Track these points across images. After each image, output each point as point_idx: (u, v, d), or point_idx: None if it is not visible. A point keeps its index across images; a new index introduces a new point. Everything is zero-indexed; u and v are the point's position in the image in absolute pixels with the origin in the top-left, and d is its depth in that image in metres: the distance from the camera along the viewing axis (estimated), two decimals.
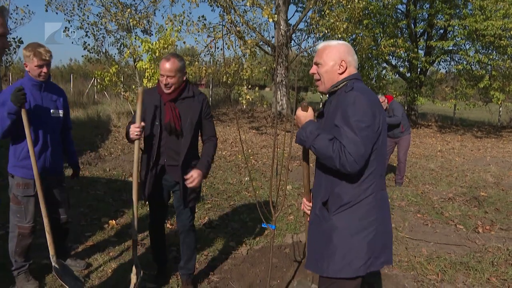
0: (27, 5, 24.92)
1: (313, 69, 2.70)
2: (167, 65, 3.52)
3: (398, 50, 18.07)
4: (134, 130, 3.45)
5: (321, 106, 2.77)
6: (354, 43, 17.74)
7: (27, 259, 3.90)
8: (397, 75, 21.48)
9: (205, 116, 3.76)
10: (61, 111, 3.96)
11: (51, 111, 3.86)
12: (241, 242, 5.12)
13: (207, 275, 4.27)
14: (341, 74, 2.59)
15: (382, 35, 18.97)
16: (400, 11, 20.61)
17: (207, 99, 3.82)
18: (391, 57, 20.61)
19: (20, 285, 3.85)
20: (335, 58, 2.59)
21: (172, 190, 3.85)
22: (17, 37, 15.98)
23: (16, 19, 16.46)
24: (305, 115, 2.61)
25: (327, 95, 2.72)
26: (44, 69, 3.73)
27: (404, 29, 20.64)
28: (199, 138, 3.84)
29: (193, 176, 3.56)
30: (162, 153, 3.67)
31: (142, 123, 3.48)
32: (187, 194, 3.72)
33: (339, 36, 14.63)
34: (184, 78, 3.69)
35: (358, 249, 2.47)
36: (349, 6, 14.20)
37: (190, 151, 3.67)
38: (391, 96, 8.42)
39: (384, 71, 20.70)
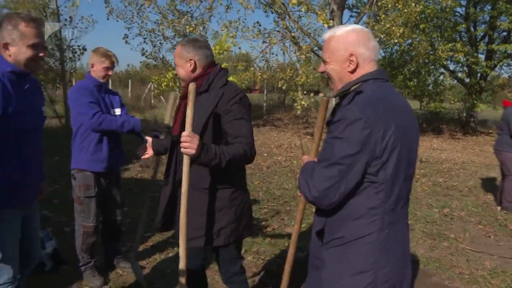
0: (91, 15, 25.77)
1: (321, 67, 2.15)
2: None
3: (457, 55, 17.55)
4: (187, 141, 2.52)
5: (331, 112, 2.17)
6: (410, 48, 17.39)
7: (92, 256, 4.09)
8: (455, 81, 20.86)
9: (225, 115, 2.75)
10: (117, 110, 4.10)
11: (111, 110, 4.02)
12: (298, 247, 5.11)
13: (264, 279, 4.30)
14: (352, 72, 2.02)
15: (439, 39, 18.49)
16: (459, 14, 20.01)
17: (233, 94, 2.80)
18: (449, 62, 20.01)
19: (87, 280, 4.04)
20: (341, 51, 2.01)
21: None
22: (81, 45, 16.61)
23: (81, 28, 17.12)
24: (306, 159, 2.24)
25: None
26: (110, 72, 3.95)
27: (463, 33, 20.00)
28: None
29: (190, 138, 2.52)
30: (178, 170, 2.91)
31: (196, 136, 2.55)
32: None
33: (395, 41, 14.39)
34: (191, 66, 2.85)
35: None
36: (405, 10, 13.94)
37: (199, 169, 2.74)
38: (509, 102, 7.22)
39: (441, 77, 20.17)
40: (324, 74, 2.15)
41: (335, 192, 1.87)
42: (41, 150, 2.86)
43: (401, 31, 13.97)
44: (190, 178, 2.62)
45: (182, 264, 2.69)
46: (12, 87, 2.53)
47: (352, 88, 1.99)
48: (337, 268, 2.00)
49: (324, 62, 2.11)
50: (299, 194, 2.31)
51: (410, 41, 17.23)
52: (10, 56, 2.53)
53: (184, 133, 2.50)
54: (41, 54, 2.61)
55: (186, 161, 2.58)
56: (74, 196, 3.98)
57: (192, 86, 2.52)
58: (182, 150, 2.51)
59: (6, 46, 2.52)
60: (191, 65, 2.82)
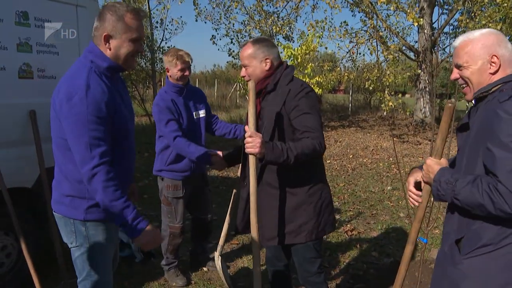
0: (181, 16, 26.70)
1: (454, 74, 2.13)
2: (242, 51, 2.85)
3: None
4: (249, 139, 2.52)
5: (465, 115, 2.17)
6: None
7: (177, 256, 4.18)
8: None
9: (293, 111, 2.69)
10: (202, 111, 4.06)
11: (193, 113, 3.99)
12: (384, 252, 5.00)
13: (348, 284, 4.24)
14: (493, 74, 1.99)
15: None
16: None
17: (299, 89, 2.74)
18: None
19: (170, 279, 4.16)
20: (482, 54, 1.99)
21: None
22: (171, 46, 17.22)
23: (171, 30, 17.74)
24: (438, 163, 2.04)
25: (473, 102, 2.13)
26: (186, 72, 3.84)
27: None
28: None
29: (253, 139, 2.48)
30: (244, 170, 2.94)
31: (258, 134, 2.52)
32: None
33: None
34: (267, 65, 2.81)
35: None
36: (504, 4, 13.17)
37: (270, 172, 2.78)
38: None
39: None
40: (458, 81, 2.13)
41: None
42: (134, 151, 2.64)
43: (499, 27, 13.19)
44: (265, 177, 2.70)
45: (256, 265, 2.66)
46: (110, 84, 2.32)
47: (494, 88, 1.97)
48: (483, 280, 1.92)
49: (459, 67, 2.07)
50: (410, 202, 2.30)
51: (509, 38, 16.30)
52: (110, 49, 2.29)
53: (246, 134, 2.49)
54: (139, 50, 2.40)
55: (252, 160, 2.55)
56: (161, 196, 4.06)
57: (252, 84, 2.54)
58: (246, 150, 2.50)
59: (107, 38, 2.27)
60: (266, 64, 2.79)
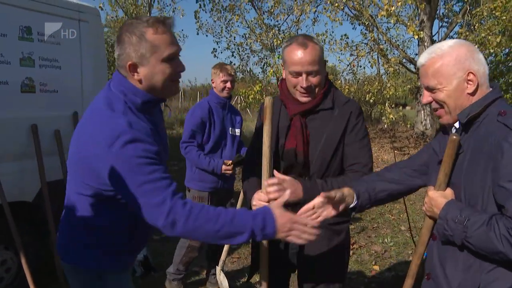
0: (182, 30, 26.88)
1: (426, 97, 1.83)
2: (304, 55, 2.21)
3: None
4: (269, 190, 2.12)
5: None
6: (508, 58, 16.47)
7: (187, 269, 4.16)
8: None
9: (352, 136, 2.34)
10: (238, 130, 4.18)
11: (230, 129, 4.10)
12: (385, 266, 4.99)
13: None
14: (473, 94, 1.72)
15: None
16: None
17: (359, 108, 2.41)
18: None
19: None
20: (456, 72, 1.71)
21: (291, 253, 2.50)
22: None
23: None
24: (443, 195, 1.77)
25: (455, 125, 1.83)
26: (228, 84, 3.99)
27: None
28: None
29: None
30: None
31: (279, 175, 2.17)
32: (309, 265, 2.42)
33: (491, 51, 13.69)
34: (325, 76, 2.38)
35: None
36: (503, 17, 13.22)
37: None
38: None
39: None
40: (433, 104, 1.83)
41: None
42: None
43: (498, 40, 13.25)
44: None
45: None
46: (147, 122, 1.85)
47: (481, 110, 1.71)
48: None
49: (431, 90, 1.79)
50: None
51: (507, 50, 16.33)
52: (140, 81, 1.81)
53: (268, 181, 2.13)
54: (179, 70, 1.88)
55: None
56: None
57: (268, 101, 2.18)
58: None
59: (133, 67, 1.79)
60: (326, 73, 2.42)
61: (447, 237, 1.70)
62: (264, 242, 2.22)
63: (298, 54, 2.21)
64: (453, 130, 1.84)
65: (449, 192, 1.78)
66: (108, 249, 1.92)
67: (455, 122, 1.80)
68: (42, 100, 3.81)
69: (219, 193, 4.07)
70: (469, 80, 1.71)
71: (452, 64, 1.72)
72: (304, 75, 2.23)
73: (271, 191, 2.10)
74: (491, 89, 1.75)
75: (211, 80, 4.10)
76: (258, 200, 2.18)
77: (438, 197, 1.77)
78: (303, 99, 2.29)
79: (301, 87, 2.25)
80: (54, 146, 3.83)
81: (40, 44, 3.77)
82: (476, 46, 12.88)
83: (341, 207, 2.03)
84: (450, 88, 1.73)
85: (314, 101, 2.30)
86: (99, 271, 1.94)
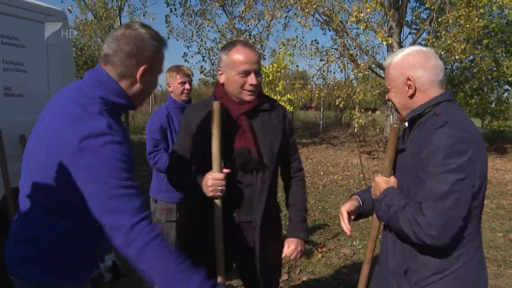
0: None
1: (387, 95, 2.13)
2: (251, 54, 2.32)
3: None
4: (216, 182, 2.18)
5: (400, 139, 2.11)
6: (472, 65, 16.89)
7: None
8: None
9: (289, 139, 2.58)
10: None
11: None
12: (354, 269, 5.04)
13: None
14: (412, 97, 1.96)
15: (504, 55, 17.83)
16: None
17: (286, 111, 2.63)
18: None
19: None
20: (399, 77, 1.97)
21: (237, 260, 2.58)
22: None
23: None
24: (386, 182, 2.00)
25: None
26: (187, 86, 3.77)
27: None
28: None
29: (293, 249, 2.57)
30: (232, 203, 2.37)
31: (226, 170, 2.25)
32: (267, 270, 2.51)
33: (456, 57, 14.02)
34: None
35: None
36: (467, 25, 13.57)
37: (271, 197, 2.47)
38: None
39: (506, 94, 19.42)
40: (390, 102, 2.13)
41: (455, 225, 1.73)
42: None
43: (462, 47, 13.58)
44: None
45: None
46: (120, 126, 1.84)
47: (426, 111, 1.93)
48: None
49: (388, 90, 2.08)
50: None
51: (472, 57, 16.74)
52: (132, 85, 1.80)
53: (212, 175, 2.20)
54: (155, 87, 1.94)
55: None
56: (154, 218, 3.83)
57: (216, 106, 2.18)
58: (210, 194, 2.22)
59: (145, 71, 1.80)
60: None
61: (379, 218, 1.99)
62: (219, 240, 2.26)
63: (246, 54, 2.29)
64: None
65: (392, 179, 2.02)
66: (65, 263, 1.79)
67: (405, 121, 2.06)
68: (7, 105, 3.73)
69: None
70: (409, 85, 1.95)
71: (397, 69, 1.98)
72: (252, 74, 2.31)
73: (216, 184, 2.17)
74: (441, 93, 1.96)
75: (167, 84, 3.85)
76: (213, 179, 2.17)
77: (381, 182, 2.02)
78: (249, 97, 2.35)
79: (251, 84, 2.31)
80: (19, 151, 3.75)
81: (4, 47, 3.70)
82: (443, 52, 13.26)
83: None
84: (395, 90, 2.02)
85: (256, 101, 2.38)
86: (53, 287, 1.79)
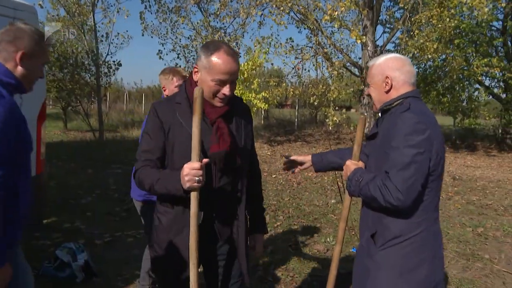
0: (127, 31, 26.45)
1: (366, 90, 2.53)
2: (234, 65, 2.22)
3: (493, 70, 17.18)
4: (192, 172, 2.04)
5: (372, 125, 2.50)
6: (444, 64, 17.16)
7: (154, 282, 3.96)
8: (490, 96, 20.38)
9: (252, 136, 2.59)
10: None
11: None
12: (327, 265, 5.07)
13: None
14: (387, 92, 2.35)
15: (474, 54, 18.17)
16: (495, 28, 19.58)
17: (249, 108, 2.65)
18: (484, 78, 19.61)
19: None
20: (379, 75, 2.37)
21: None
22: (116, 59, 17.00)
23: (117, 44, 17.58)
24: (356, 164, 2.41)
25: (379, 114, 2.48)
26: None
27: (499, 48, 19.58)
28: None
29: (261, 245, 2.78)
30: (212, 200, 2.30)
31: (205, 160, 2.12)
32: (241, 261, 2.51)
33: (429, 56, 14.24)
34: None
35: None
36: (439, 25, 13.79)
37: (248, 196, 2.51)
38: None
39: (476, 93, 19.75)
40: (368, 96, 2.51)
41: (416, 190, 2.10)
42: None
43: (435, 46, 13.81)
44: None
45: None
46: None
47: (395, 103, 2.32)
48: (395, 267, 2.23)
49: (368, 86, 2.48)
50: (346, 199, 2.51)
51: (444, 56, 17.02)
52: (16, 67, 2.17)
53: (189, 164, 2.07)
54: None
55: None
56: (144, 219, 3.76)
57: (198, 91, 2.06)
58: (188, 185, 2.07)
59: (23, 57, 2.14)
60: None
61: (351, 192, 2.37)
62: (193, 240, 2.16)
63: (228, 64, 2.19)
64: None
65: (361, 163, 2.45)
66: None
67: (377, 111, 2.46)
68: None
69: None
70: (386, 82, 2.35)
71: (378, 69, 2.40)
72: (228, 84, 2.23)
73: (193, 174, 2.04)
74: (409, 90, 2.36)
75: (162, 87, 3.67)
76: (190, 169, 2.04)
77: (351, 165, 2.43)
78: (220, 104, 2.29)
79: (224, 94, 2.24)
80: None
81: None
82: (416, 51, 13.43)
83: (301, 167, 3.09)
84: (375, 86, 2.42)
85: (229, 105, 2.34)
86: None
